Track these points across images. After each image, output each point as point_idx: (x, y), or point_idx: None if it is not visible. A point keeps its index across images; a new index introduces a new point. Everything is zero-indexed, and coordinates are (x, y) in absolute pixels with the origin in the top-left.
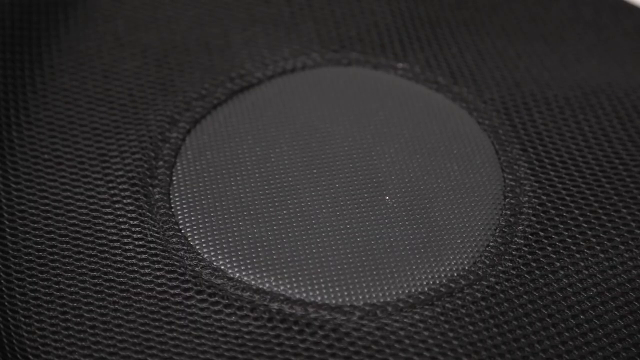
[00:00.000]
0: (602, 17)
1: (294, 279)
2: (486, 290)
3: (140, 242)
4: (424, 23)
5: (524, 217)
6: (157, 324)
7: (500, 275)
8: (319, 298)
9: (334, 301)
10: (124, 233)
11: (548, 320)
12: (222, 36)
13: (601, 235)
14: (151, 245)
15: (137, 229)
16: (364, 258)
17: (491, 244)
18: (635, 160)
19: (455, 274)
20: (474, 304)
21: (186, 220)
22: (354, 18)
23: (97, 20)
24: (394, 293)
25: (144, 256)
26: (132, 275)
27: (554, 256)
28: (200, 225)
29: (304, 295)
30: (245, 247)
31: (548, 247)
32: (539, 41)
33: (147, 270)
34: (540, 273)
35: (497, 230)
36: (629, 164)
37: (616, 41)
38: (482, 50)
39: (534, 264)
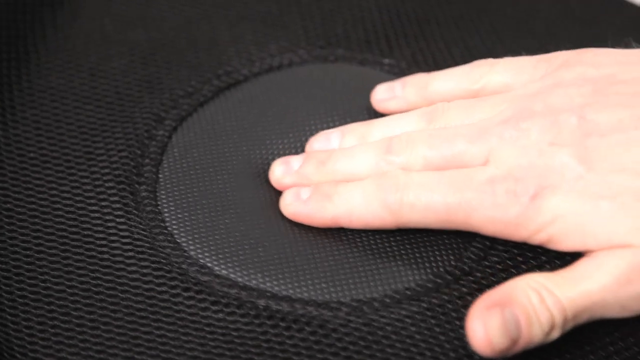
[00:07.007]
0: (591, 12)
1: (280, 276)
2: (472, 285)
3: (127, 240)
4: (411, 19)
5: None
6: (144, 321)
7: (486, 270)
8: (306, 294)
9: (320, 297)
10: (110, 231)
11: None
12: (209, 33)
13: None
14: (138, 242)
15: (123, 226)
16: (350, 254)
17: (477, 239)
18: None
19: (442, 270)
20: (460, 299)
21: (173, 217)
22: (340, 14)
23: (85, 18)
24: (380, 289)
25: (130, 254)
26: (119, 273)
27: (540, 250)
28: (187, 223)
29: (291, 291)
30: (232, 244)
31: None
32: (527, 37)
33: (133, 268)
34: (526, 268)
35: None
36: None
37: (605, 36)
38: (470, 46)
39: (520, 259)
